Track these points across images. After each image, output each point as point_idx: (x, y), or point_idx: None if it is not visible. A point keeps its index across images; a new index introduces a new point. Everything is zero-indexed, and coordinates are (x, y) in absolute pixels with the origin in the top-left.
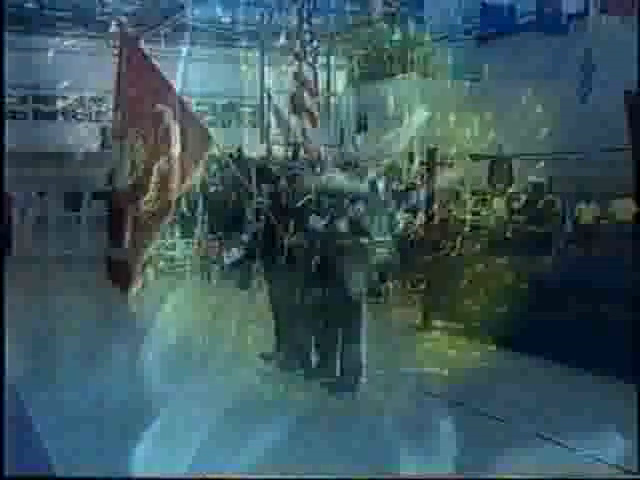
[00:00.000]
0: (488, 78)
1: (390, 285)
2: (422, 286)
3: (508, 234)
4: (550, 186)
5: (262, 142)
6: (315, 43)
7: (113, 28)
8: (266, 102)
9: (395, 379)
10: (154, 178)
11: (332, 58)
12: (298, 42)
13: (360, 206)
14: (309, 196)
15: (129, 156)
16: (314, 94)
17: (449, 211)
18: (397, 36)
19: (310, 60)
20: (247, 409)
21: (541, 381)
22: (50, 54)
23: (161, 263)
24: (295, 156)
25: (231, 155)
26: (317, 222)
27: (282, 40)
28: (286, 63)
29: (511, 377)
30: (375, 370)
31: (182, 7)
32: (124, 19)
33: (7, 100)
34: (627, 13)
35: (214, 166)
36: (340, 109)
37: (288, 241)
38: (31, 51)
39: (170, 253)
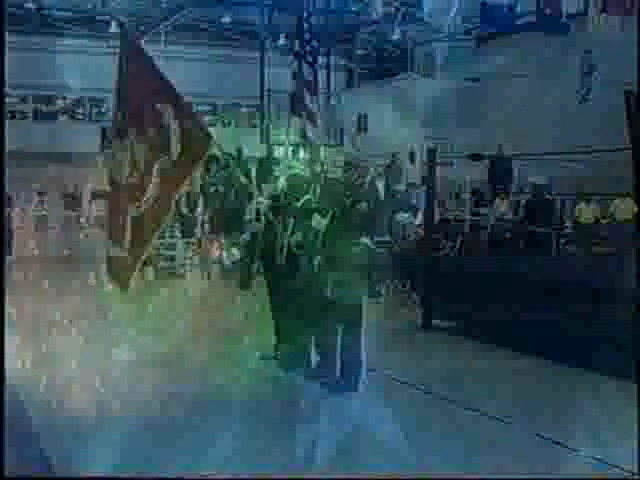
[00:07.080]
0: (488, 78)
1: (390, 285)
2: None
3: (508, 234)
4: (550, 186)
5: (262, 142)
6: (315, 43)
7: (113, 28)
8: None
9: (394, 378)
10: (154, 178)
11: (332, 58)
12: (298, 42)
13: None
14: (308, 196)
15: (129, 156)
16: (314, 94)
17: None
18: (397, 36)
19: (310, 60)
20: (247, 409)
21: (541, 381)
22: (50, 54)
23: (161, 263)
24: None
25: (231, 155)
26: (319, 222)
27: (282, 40)
28: (286, 63)
29: (510, 376)
30: (375, 370)
31: (182, 7)
32: (124, 19)
33: (7, 100)
34: (627, 13)
35: (214, 166)
36: (340, 109)
37: (288, 241)
38: (31, 51)
39: (170, 253)
